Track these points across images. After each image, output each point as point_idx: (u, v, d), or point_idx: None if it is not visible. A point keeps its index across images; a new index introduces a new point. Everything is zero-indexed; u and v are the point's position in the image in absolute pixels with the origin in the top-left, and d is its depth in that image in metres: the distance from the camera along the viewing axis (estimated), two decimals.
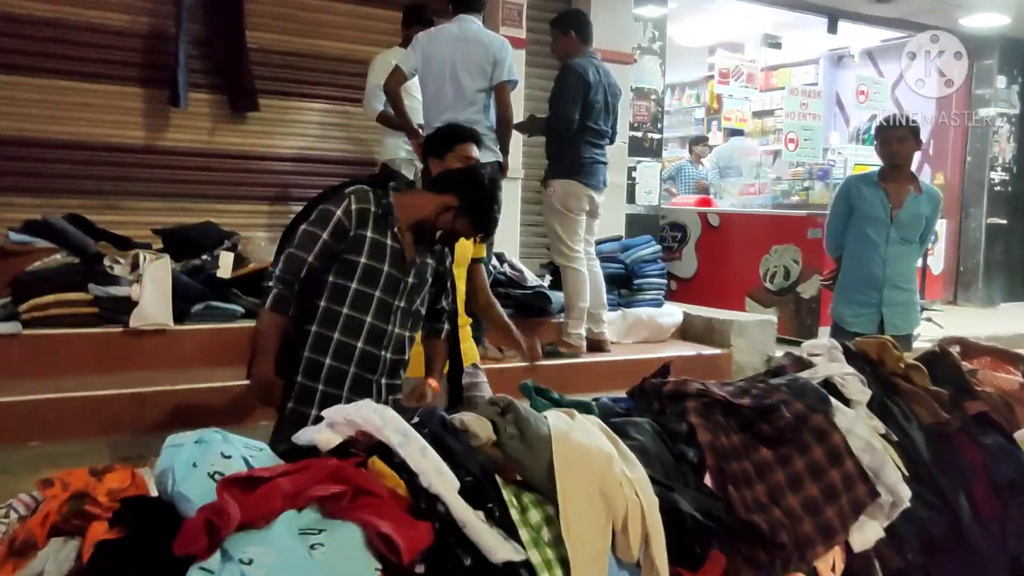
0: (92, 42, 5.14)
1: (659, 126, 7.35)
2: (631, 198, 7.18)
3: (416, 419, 2.02)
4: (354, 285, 2.65)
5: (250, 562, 1.56)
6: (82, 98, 5.13)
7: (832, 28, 9.21)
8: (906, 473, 2.59)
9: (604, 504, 2.00)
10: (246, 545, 1.60)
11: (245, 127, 5.70)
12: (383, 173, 3.80)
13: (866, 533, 2.41)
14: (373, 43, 5.64)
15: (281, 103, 5.85)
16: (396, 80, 4.58)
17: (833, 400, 2.61)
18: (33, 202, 4.75)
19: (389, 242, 2.69)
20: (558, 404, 2.43)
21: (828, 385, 2.79)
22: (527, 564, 1.86)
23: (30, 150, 4.92)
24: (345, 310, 2.66)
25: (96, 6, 5.16)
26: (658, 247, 5.92)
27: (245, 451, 1.97)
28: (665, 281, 5.92)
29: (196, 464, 1.85)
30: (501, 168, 4.52)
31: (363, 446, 1.94)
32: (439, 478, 1.86)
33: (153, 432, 3.35)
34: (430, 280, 2.82)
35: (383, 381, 2.76)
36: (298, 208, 6.05)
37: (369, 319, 2.67)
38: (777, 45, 9.02)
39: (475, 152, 3.22)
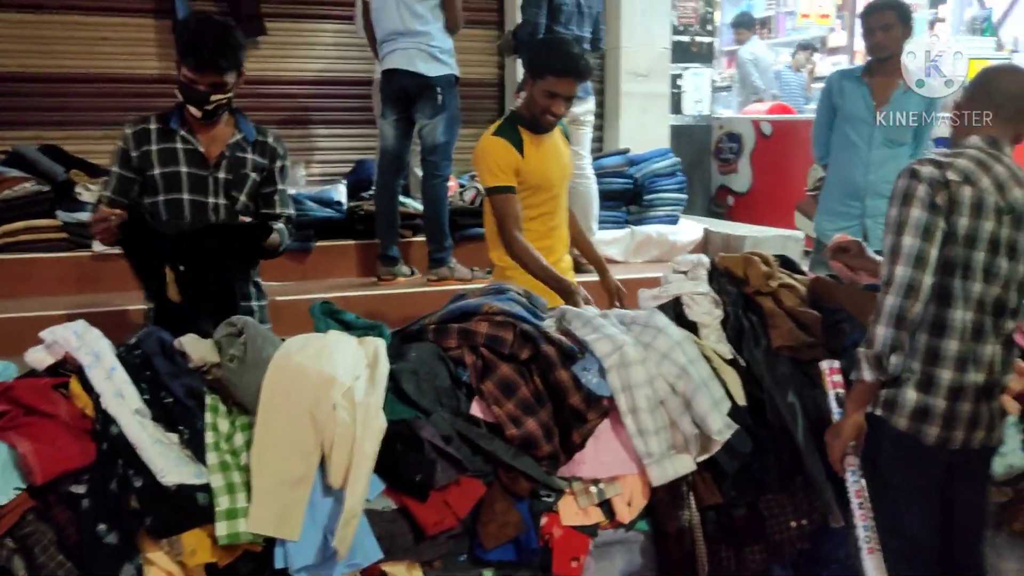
0: None
1: (709, 28, 6.82)
2: (677, 108, 6.75)
3: (133, 340, 2.01)
4: (161, 197, 2.65)
5: None
6: (86, 32, 5.31)
7: None
8: (740, 403, 2.35)
9: (313, 428, 1.93)
10: None
11: (256, 52, 5.75)
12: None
13: (666, 466, 2.21)
14: None
15: (293, 26, 5.82)
16: (365, 7, 4.47)
17: (662, 322, 2.38)
18: (19, 135, 5.03)
19: (179, 145, 2.67)
20: (350, 327, 2.36)
21: (677, 304, 2.56)
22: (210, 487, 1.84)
23: (27, 85, 5.19)
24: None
25: None
26: (675, 159, 5.53)
27: None
28: (684, 196, 5.54)
29: None
30: (457, 81, 4.34)
31: (74, 365, 1.95)
32: (116, 400, 1.85)
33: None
34: (253, 175, 2.77)
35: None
36: (319, 131, 6.24)
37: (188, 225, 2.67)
38: None
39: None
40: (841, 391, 2.13)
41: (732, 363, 2.44)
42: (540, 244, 2.99)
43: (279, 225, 2.82)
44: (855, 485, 2.01)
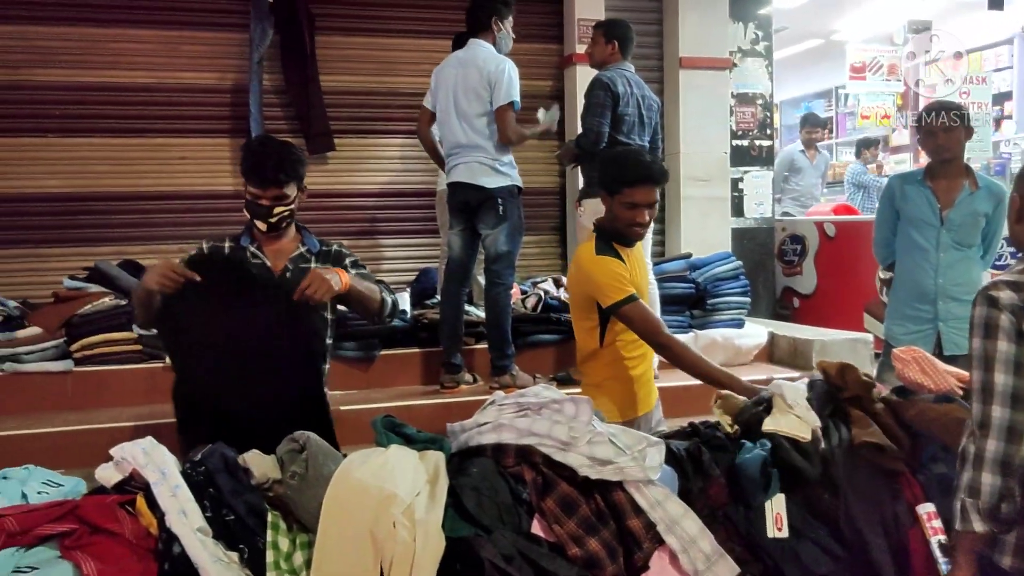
0: (174, 101, 5.67)
1: (768, 132, 6.87)
2: (738, 211, 6.76)
3: (197, 456, 2.03)
4: None
5: None
6: (165, 152, 5.64)
7: (996, 3, 8.15)
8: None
9: (373, 546, 1.91)
10: None
11: (325, 167, 6.00)
12: None
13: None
14: None
15: (360, 141, 6.09)
16: (423, 120, 4.66)
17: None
18: (101, 251, 5.30)
19: (250, 260, 2.81)
20: (411, 441, 2.35)
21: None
22: None
23: (109, 203, 5.51)
24: None
25: (187, 68, 5.70)
26: (738, 263, 5.50)
27: (40, 487, 2.07)
28: (748, 299, 5.48)
29: None
30: (520, 192, 4.43)
31: (141, 482, 1.98)
32: (179, 518, 1.86)
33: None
34: None
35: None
36: (385, 241, 6.39)
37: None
38: (926, 28, 8.10)
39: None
40: (943, 538, 2.01)
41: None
42: (637, 352, 2.99)
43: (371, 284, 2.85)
44: None
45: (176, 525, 1.84)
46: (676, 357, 2.87)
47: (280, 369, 2.66)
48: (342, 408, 4.16)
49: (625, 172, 2.92)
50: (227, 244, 2.83)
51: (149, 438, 2.04)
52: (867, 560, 2.21)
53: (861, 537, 2.24)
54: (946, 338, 3.70)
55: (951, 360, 3.63)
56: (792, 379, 2.65)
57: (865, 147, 9.87)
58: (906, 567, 2.22)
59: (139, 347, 4.33)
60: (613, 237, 3.00)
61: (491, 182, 4.31)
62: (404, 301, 5.33)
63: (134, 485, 1.99)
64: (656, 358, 3.29)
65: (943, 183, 3.72)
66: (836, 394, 2.53)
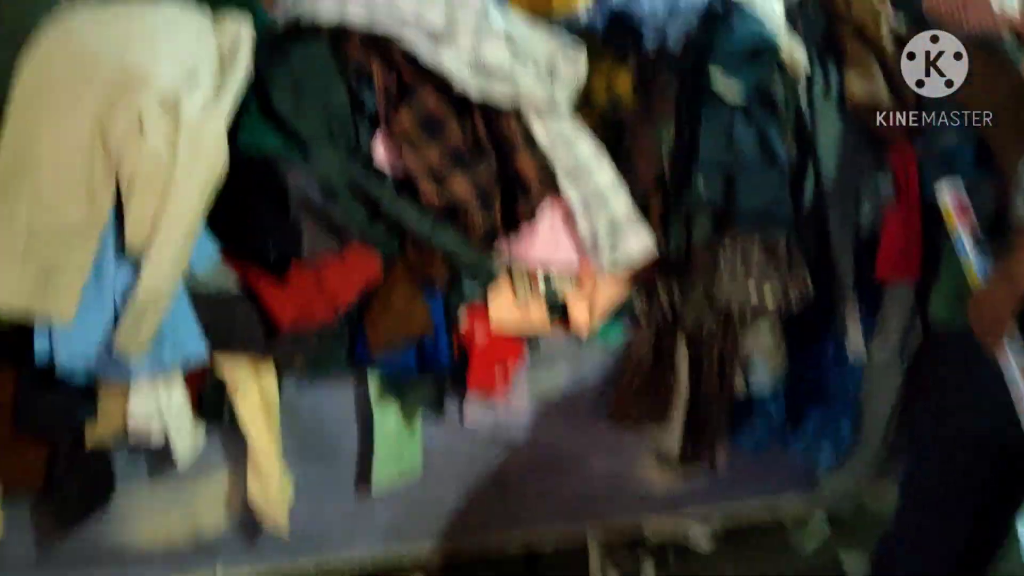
0: None
1: None
2: None
3: None
4: None
5: None
6: None
7: None
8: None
9: (104, 151, 1.21)
10: None
11: None
12: None
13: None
14: None
15: None
16: None
17: None
18: None
19: None
20: None
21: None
22: None
23: None
24: None
25: None
26: None
27: None
28: None
29: None
30: None
31: None
32: None
33: None
34: None
35: None
36: None
37: None
38: None
39: None
40: (972, 233, 1.35)
41: None
42: None
43: None
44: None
45: None
46: None
47: None
48: None
49: None
50: None
51: None
52: (823, 241, 1.67)
53: (822, 212, 1.67)
54: None
55: None
56: None
57: None
58: (871, 253, 1.69)
59: None
60: None
61: None
62: None
63: None
64: None
65: None
66: (832, 20, 1.80)
